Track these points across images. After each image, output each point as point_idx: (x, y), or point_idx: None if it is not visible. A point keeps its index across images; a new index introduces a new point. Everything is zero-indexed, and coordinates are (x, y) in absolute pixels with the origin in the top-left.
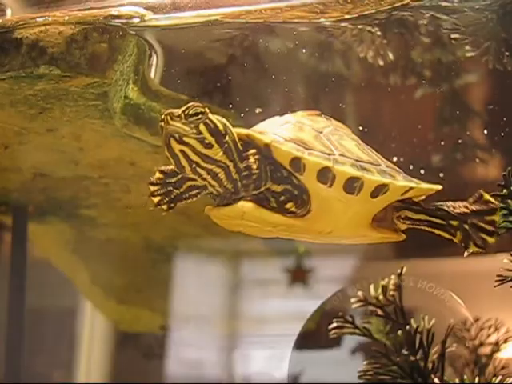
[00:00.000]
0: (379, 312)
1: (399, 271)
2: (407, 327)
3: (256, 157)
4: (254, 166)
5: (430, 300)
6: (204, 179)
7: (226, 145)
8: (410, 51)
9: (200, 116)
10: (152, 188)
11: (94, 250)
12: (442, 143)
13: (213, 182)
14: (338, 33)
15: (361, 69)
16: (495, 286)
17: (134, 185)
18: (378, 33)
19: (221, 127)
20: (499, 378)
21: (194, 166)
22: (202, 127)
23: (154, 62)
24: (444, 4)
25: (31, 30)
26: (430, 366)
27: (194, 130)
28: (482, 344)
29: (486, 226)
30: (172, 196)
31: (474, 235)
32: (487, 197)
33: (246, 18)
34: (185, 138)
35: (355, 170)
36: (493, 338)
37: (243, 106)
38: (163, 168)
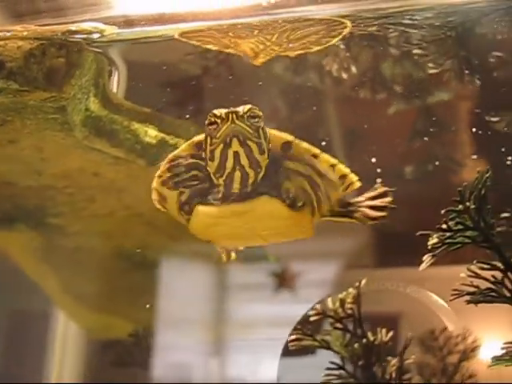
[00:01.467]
0: (337, 325)
1: (357, 284)
2: (364, 340)
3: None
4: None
5: (413, 305)
6: (224, 181)
7: (269, 152)
8: (379, 65)
9: (258, 120)
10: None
11: (63, 258)
12: (414, 155)
13: (235, 185)
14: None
15: (332, 82)
16: (450, 300)
17: (99, 195)
18: (342, 46)
19: (267, 134)
20: None
21: (238, 168)
22: (261, 132)
23: (116, 76)
24: (406, 21)
25: None
26: (387, 377)
27: (256, 134)
28: (450, 353)
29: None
30: (179, 179)
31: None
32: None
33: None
34: (248, 141)
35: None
36: (460, 347)
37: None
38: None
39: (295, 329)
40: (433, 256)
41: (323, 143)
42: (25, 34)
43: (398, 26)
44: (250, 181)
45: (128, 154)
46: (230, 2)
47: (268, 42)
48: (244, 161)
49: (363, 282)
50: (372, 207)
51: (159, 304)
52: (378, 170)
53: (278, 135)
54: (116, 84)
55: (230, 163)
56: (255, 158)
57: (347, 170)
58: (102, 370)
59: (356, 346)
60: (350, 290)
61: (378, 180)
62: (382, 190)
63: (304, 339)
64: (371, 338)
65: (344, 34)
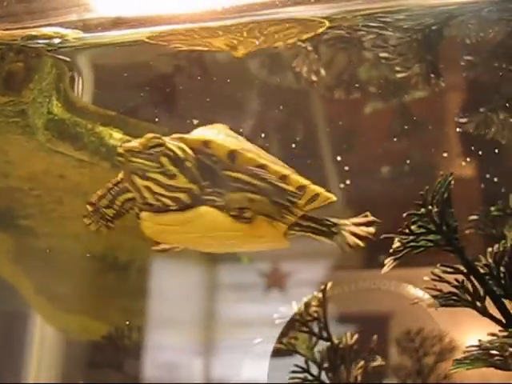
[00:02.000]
0: (303, 328)
1: (323, 287)
2: (329, 343)
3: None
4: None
5: (405, 304)
6: (163, 202)
7: (187, 170)
8: (353, 67)
9: (159, 148)
10: (87, 221)
11: (35, 260)
12: (390, 156)
13: (172, 203)
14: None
15: (307, 81)
16: (412, 304)
17: (66, 197)
18: (309, 48)
19: (180, 154)
20: None
21: (156, 196)
22: (163, 159)
23: (80, 80)
24: (373, 24)
25: None
26: (352, 381)
27: (157, 164)
28: (425, 354)
29: (360, 232)
30: (108, 217)
31: (348, 239)
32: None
33: (171, 39)
34: (149, 174)
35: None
36: (437, 348)
37: (182, 119)
38: (93, 198)
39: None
40: (395, 259)
41: (297, 142)
42: None
43: (371, 29)
44: (182, 196)
45: (92, 156)
46: (196, 5)
47: (241, 37)
48: (158, 189)
49: (329, 285)
50: (354, 234)
51: (145, 304)
52: (347, 169)
53: (223, 144)
54: (80, 88)
55: (147, 194)
56: (167, 184)
57: (305, 181)
58: (78, 370)
59: (321, 348)
60: (316, 293)
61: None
62: (369, 219)
63: (270, 342)
64: (336, 341)
65: (320, 31)
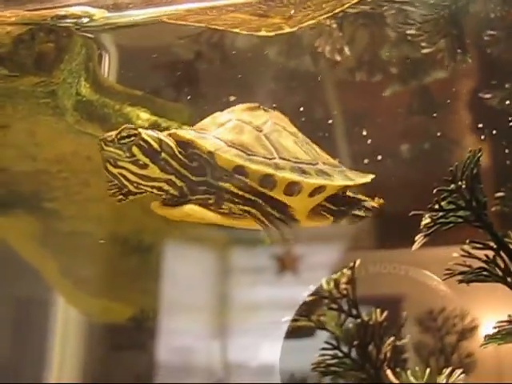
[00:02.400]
0: (332, 305)
1: (352, 264)
2: (359, 320)
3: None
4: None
5: (414, 287)
6: (150, 191)
7: (162, 162)
8: (375, 46)
9: (132, 138)
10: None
11: (60, 243)
12: (411, 134)
13: (159, 192)
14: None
15: (326, 64)
16: (443, 280)
17: (92, 179)
18: (334, 25)
19: (155, 145)
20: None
21: (135, 184)
22: (134, 149)
23: (107, 60)
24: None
25: None
26: (382, 357)
27: (128, 154)
28: (448, 333)
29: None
30: (124, 191)
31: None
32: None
33: (189, 18)
34: (119, 163)
35: (295, 175)
36: (459, 327)
37: (206, 100)
38: None
39: (299, 309)
40: (425, 236)
41: (320, 125)
42: (13, 19)
43: (393, 4)
44: (165, 186)
45: None
46: None
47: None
48: (133, 178)
49: (357, 262)
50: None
51: (161, 288)
52: (375, 152)
53: (203, 144)
54: (107, 68)
55: (125, 182)
56: (139, 173)
57: (296, 177)
58: (103, 353)
59: (351, 326)
60: (345, 270)
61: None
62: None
63: (299, 320)
64: (366, 318)
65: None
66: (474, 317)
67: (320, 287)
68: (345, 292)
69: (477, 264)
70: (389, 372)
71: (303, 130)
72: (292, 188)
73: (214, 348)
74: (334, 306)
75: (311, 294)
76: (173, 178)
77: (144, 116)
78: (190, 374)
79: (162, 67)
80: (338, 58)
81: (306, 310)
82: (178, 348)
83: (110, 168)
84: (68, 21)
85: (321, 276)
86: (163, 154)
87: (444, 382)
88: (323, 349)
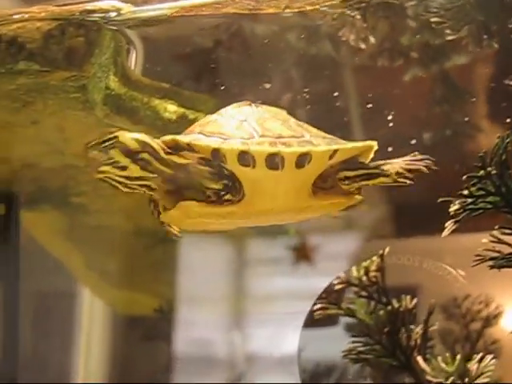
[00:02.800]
0: (362, 293)
1: (381, 252)
2: (389, 307)
3: (179, 161)
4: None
5: (430, 279)
6: (141, 190)
7: (141, 161)
8: (396, 34)
9: (111, 142)
10: None
11: (87, 236)
12: (433, 121)
13: (150, 192)
14: (319, 17)
15: (348, 52)
16: (473, 266)
17: None
18: (358, 16)
19: (133, 146)
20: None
21: (122, 185)
22: (113, 152)
23: (134, 53)
24: None
25: (9, 27)
26: (412, 344)
27: (106, 157)
28: (472, 320)
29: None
30: None
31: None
32: None
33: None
34: (101, 167)
35: (271, 147)
36: (483, 314)
37: (229, 92)
38: None
39: (320, 298)
40: (455, 222)
41: (341, 112)
42: (42, 14)
43: None
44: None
45: (149, 130)
46: None
47: None
48: (119, 179)
49: (386, 250)
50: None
51: (180, 280)
52: (398, 139)
53: (181, 138)
54: (134, 61)
55: (114, 184)
56: (121, 175)
57: (271, 149)
58: (129, 345)
59: (381, 313)
60: (374, 258)
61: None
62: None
63: (329, 308)
64: (396, 305)
65: None
66: (498, 303)
67: (349, 275)
68: (374, 279)
69: (507, 250)
70: (419, 358)
71: (323, 116)
72: (272, 161)
73: (232, 339)
74: (364, 293)
75: (341, 282)
76: (157, 177)
77: (171, 108)
78: (208, 366)
79: (185, 58)
80: (363, 45)
81: (336, 297)
82: (196, 339)
83: (95, 173)
84: (96, 15)
85: (336, 266)
86: (142, 154)
87: (475, 367)
88: (354, 336)
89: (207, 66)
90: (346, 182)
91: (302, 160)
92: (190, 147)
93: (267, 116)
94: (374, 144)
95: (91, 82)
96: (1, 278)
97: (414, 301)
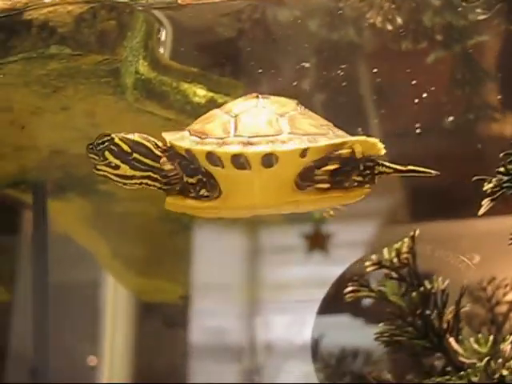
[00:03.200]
0: (393, 274)
1: (412, 234)
2: (421, 288)
3: (164, 159)
4: (166, 167)
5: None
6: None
7: (132, 161)
8: (420, 15)
9: (105, 144)
10: None
11: (113, 224)
12: (455, 105)
13: (148, 187)
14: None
15: (371, 35)
16: (509, 245)
17: None
18: None
19: (125, 148)
20: None
21: (122, 184)
22: (106, 153)
23: (163, 37)
24: None
25: (40, 11)
26: (445, 325)
27: (102, 158)
28: (498, 303)
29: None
30: None
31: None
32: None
33: None
34: (98, 166)
35: (237, 148)
36: (509, 297)
37: (255, 76)
38: None
39: (352, 280)
40: (491, 200)
41: (363, 97)
42: None
43: None
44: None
45: (179, 115)
46: None
47: None
48: (115, 178)
49: (417, 232)
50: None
51: (195, 268)
52: (418, 125)
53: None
54: (163, 45)
55: (116, 181)
56: (115, 173)
57: (236, 150)
58: (153, 332)
59: (414, 294)
60: (406, 240)
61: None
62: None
63: (361, 290)
64: (428, 286)
65: None
66: None
67: (381, 257)
68: (406, 261)
69: None
70: (451, 340)
71: (347, 102)
72: (238, 161)
73: (246, 327)
74: (395, 275)
75: (372, 264)
76: (151, 174)
77: (201, 92)
78: (222, 354)
79: (208, 45)
80: (390, 27)
81: (367, 280)
82: (210, 328)
83: (96, 172)
84: None
85: (350, 254)
86: (134, 154)
87: (508, 348)
88: (387, 319)
89: (230, 54)
90: (338, 178)
91: (268, 160)
92: (170, 146)
93: (257, 112)
94: (362, 139)
95: (123, 65)
96: (30, 269)
97: (446, 282)
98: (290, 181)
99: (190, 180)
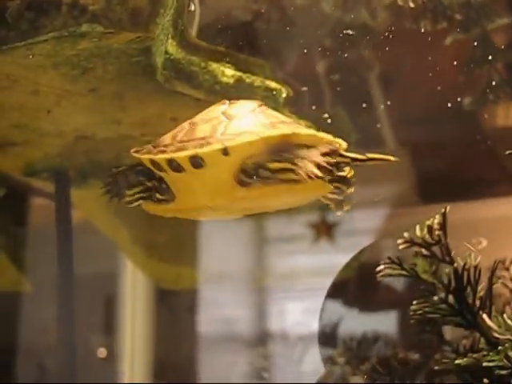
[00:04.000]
0: (424, 252)
1: (443, 210)
2: (454, 265)
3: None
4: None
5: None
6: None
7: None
8: None
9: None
10: None
11: (134, 211)
12: (474, 85)
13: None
14: None
15: (388, 15)
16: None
17: None
18: None
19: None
20: None
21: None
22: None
23: (192, 15)
24: None
25: None
26: (477, 302)
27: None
28: None
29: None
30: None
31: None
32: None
33: None
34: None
35: (167, 153)
36: None
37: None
38: None
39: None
40: None
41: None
42: None
43: None
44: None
45: (208, 94)
46: None
47: None
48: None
49: (448, 208)
50: (317, 164)
51: (200, 258)
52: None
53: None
54: (192, 24)
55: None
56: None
57: (167, 154)
58: (174, 316)
59: (447, 271)
60: (437, 216)
61: None
62: (333, 147)
63: (393, 268)
64: (461, 263)
65: None
66: None
67: (413, 234)
68: (437, 238)
69: None
70: (485, 316)
71: (361, 83)
72: (173, 165)
73: (255, 316)
74: (427, 252)
75: (404, 242)
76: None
77: (229, 72)
78: (230, 343)
79: (224, 28)
80: (412, 4)
81: (399, 258)
82: (217, 318)
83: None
84: None
85: (356, 242)
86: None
87: None
88: (421, 296)
89: (247, 37)
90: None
91: (196, 161)
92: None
93: (208, 118)
94: (297, 132)
95: (155, 44)
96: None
97: (479, 258)
98: (230, 179)
99: (148, 184)
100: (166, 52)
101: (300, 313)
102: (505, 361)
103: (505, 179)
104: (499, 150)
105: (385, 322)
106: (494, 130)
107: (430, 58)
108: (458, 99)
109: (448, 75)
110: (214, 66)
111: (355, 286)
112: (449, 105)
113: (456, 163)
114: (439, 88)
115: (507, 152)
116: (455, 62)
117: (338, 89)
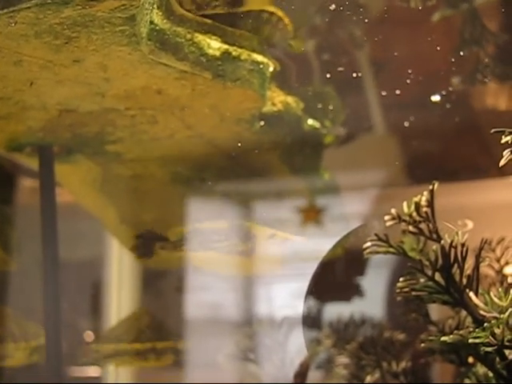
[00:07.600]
0: (411, 229)
1: (431, 187)
2: (441, 242)
3: None
4: None
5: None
6: None
7: None
8: None
9: None
10: None
11: (121, 188)
12: (462, 65)
13: None
14: None
15: None
16: None
17: (160, 115)
18: None
19: None
20: None
21: None
22: None
23: None
24: None
25: None
26: (464, 280)
27: None
28: (507, 263)
29: None
30: None
31: None
32: None
33: None
34: None
35: None
36: None
37: None
38: None
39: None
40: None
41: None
42: None
43: None
44: None
45: (194, 67)
46: None
47: None
48: None
49: (436, 185)
50: None
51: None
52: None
53: None
54: None
55: None
56: None
57: None
58: (161, 299)
59: (434, 248)
60: (425, 193)
61: None
62: None
63: (379, 245)
64: (448, 240)
65: None
66: None
67: (400, 211)
68: (425, 215)
69: None
70: (471, 294)
71: (354, 62)
72: None
73: (242, 301)
74: (414, 229)
75: (391, 218)
76: None
77: (215, 45)
78: (217, 328)
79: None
80: None
81: (386, 235)
82: (204, 302)
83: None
84: None
85: (343, 227)
86: None
87: None
88: (408, 273)
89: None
90: None
91: None
92: None
93: None
94: None
95: (140, 13)
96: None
97: (466, 235)
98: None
99: None
100: (151, 22)
101: (287, 296)
102: (491, 338)
103: (492, 162)
104: (487, 133)
105: (370, 305)
106: (483, 113)
107: (420, 40)
108: (447, 81)
109: (438, 57)
110: (200, 37)
111: (341, 268)
112: (437, 87)
113: (444, 146)
114: (429, 69)
115: (492, 131)
116: (445, 44)
117: (327, 68)
